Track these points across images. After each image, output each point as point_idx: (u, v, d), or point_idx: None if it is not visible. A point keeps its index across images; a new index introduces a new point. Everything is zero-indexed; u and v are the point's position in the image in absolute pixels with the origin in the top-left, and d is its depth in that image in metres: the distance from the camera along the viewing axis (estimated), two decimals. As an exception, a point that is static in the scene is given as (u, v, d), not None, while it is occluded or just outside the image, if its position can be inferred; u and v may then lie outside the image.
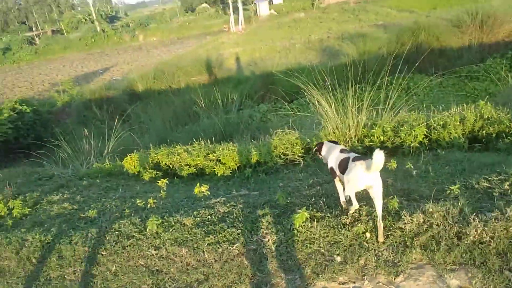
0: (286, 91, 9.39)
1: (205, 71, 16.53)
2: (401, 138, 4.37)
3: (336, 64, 12.22)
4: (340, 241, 2.64)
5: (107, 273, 2.86)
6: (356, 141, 4.66)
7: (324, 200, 3.18)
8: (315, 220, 2.89)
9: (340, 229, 2.73)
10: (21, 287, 2.47)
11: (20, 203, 3.92)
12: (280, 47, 24.63)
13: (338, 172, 2.87)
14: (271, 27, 36.20)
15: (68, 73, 31.04)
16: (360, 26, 26.52)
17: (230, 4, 42.56)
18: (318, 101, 5.25)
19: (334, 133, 4.79)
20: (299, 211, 2.89)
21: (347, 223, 2.78)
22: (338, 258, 2.52)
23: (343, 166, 2.80)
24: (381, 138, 4.48)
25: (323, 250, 2.61)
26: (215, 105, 9.22)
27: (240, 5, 41.85)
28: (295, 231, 2.83)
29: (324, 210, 3.02)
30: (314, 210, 3.03)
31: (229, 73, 16.66)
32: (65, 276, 2.90)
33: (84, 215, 3.71)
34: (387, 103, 5.03)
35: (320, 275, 2.41)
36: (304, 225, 2.85)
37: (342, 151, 3.00)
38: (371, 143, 4.48)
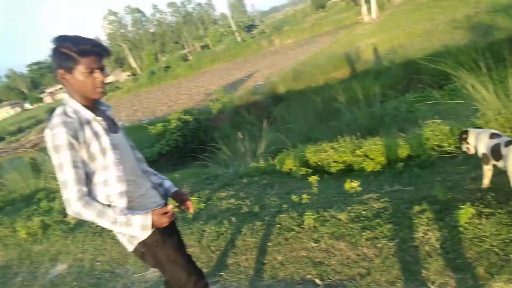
0: (432, 78, 8.71)
1: (342, 66, 16.36)
2: None
3: (490, 41, 10.80)
4: (516, 240, 2.41)
5: (274, 262, 3.15)
6: (526, 127, 4.10)
7: (492, 194, 2.92)
8: (484, 216, 2.69)
9: (515, 227, 2.49)
10: (205, 270, 2.90)
11: (196, 199, 4.59)
12: (420, 30, 22.68)
13: (492, 160, 2.71)
14: (407, 10, 33.64)
15: (218, 83, 34.13)
16: (516, -6, 22.72)
17: (362, -7, 41.02)
18: (472, 86, 4.78)
19: (496, 119, 4.29)
20: (463, 206, 2.72)
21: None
22: (516, 258, 2.31)
23: (496, 152, 2.60)
24: (558, 120, 3.86)
25: (496, 249, 2.41)
26: (356, 99, 9.08)
27: (371, -7, 39.96)
28: (461, 228, 2.68)
29: (494, 206, 2.78)
30: (481, 205, 2.81)
31: (368, 65, 16.14)
32: (239, 263, 3.30)
33: (248, 209, 4.14)
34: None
35: (496, 276, 2.24)
36: (470, 222, 2.68)
37: (492, 136, 2.75)
38: (545, 127, 3.90)
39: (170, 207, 1.92)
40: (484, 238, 2.53)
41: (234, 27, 67.64)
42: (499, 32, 11.55)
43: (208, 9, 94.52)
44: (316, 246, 3.13)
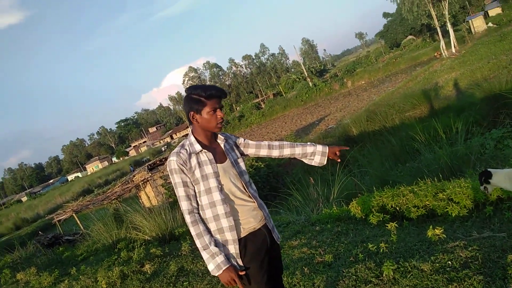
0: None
1: (420, 104, 15.68)
2: None
3: None
4: None
5: (350, 317, 2.97)
6: None
7: None
8: None
9: None
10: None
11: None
12: (506, 61, 21.17)
13: None
14: (491, 41, 31.76)
15: (289, 128, 34.64)
16: None
17: (438, 29, 39.77)
18: None
19: None
20: None
21: None
22: None
23: None
24: None
25: None
26: (437, 138, 8.55)
27: (449, 27, 38.58)
28: None
29: None
30: None
31: (448, 101, 15.29)
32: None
33: (321, 259, 3.99)
34: None
35: None
36: None
37: None
38: None
39: (240, 274, 2.20)
40: None
41: (306, 73, 68.90)
42: None
43: (281, 58, 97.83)
44: (396, 300, 2.90)
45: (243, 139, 2.54)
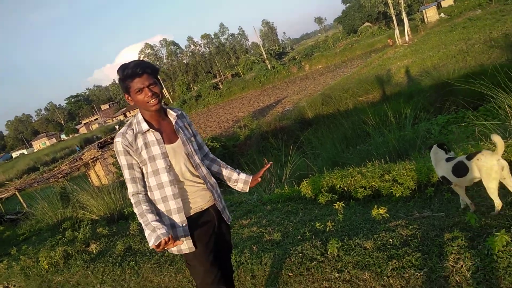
0: (467, 99, 8.39)
1: (373, 89, 16.14)
2: None
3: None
4: (555, 269, 2.18)
5: (294, 293, 3.02)
6: None
7: (529, 219, 2.70)
8: (520, 244, 2.47)
9: (555, 255, 2.26)
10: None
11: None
12: (455, 51, 22.21)
13: None
14: (442, 31, 33.10)
15: (247, 109, 34.59)
16: (557, 10, 21.91)
17: (394, 17, 40.89)
18: (509, 106, 4.55)
19: (535, 140, 4.03)
20: (497, 233, 2.51)
21: None
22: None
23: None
24: None
25: (533, 279, 2.20)
26: (387, 122, 8.85)
27: (404, 16, 39.76)
28: (494, 257, 2.46)
29: (531, 232, 2.55)
30: (517, 232, 2.59)
31: (399, 87, 15.86)
32: (258, 294, 3.19)
33: (270, 237, 4.03)
34: None
35: (532, 309, 2.04)
36: (505, 250, 2.46)
37: None
38: None
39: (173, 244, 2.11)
40: (520, 268, 2.31)
41: (265, 55, 68.74)
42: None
43: (241, 39, 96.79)
44: (339, 277, 2.97)
45: (194, 129, 2.48)
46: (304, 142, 10.34)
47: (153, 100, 2.14)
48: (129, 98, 2.17)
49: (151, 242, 2.09)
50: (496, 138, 2.80)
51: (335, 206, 4.12)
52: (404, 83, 16.87)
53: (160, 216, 2.17)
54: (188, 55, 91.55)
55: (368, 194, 4.54)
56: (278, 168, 7.02)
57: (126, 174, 2.15)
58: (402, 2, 38.92)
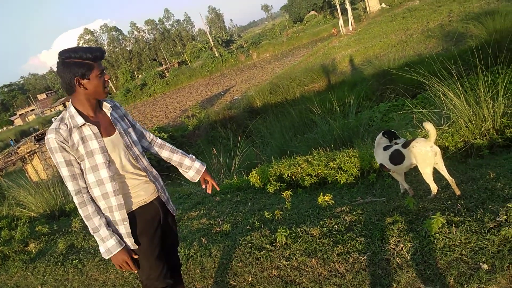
0: (406, 87, 8.82)
1: (318, 78, 16.50)
2: (551, 124, 3.75)
3: (462, 49, 11.06)
4: (485, 247, 2.36)
5: (244, 283, 3.03)
6: (494, 133, 4.14)
7: (462, 202, 2.89)
8: (453, 225, 2.64)
9: (484, 234, 2.45)
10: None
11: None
12: (395, 40, 23.22)
13: None
14: (383, 21, 34.40)
15: (195, 98, 34.05)
16: (487, 3, 23.54)
17: (338, 6, 41.87)
18: (443, 94, 4.81)
19: (467, 127, 4.32)
20: (434, 216, 2.67)
21: (492, 226, 2.48)
22: (485, 266, 2.25)
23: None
24: (526, 126, 3.90)
25: (466, 258, 2.36)
26: (332, 110, 9.11)
27: (348, 5, 40.87)
28: (431, 238, 2.62)
29: (463, 214, 2.74)
30: (451, 214, 2.77)
31: (343, 76, 16.34)
32: (208, 287, 3.16)
33: (219, 229, 4.01)
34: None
35: (465, 285, 2.19)
36: (441, 231, 2.63)
37: None
38: (514, 134, 3.92)
39: (133, 257, 2.13)
40: (454, 247, 2.47)
41: (212, 43, 67.85)
42: (471, 40, 11.84)
43: (187, 25, 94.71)
44: (288, 264, 3.03)
45: (131, 118, 2.36)
46: (253, 131, 10.39)
47: (109, 85, 2.12)
48: (83, 82, 1.99)
49: (101, 251, 2.07)
50: (428, 126, 2.95)
51: (283, 194, 4.17)
52: (348, 71, 17.41)
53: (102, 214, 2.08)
54: (132, 41, 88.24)
55: (314, 182, 4.65)
56: (227, 158, 7.00)
57: (65, 172, 2.00)
58: (346, -9, 39.94)
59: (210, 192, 2.61)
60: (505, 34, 10.05)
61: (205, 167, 2.57)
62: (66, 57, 1.98)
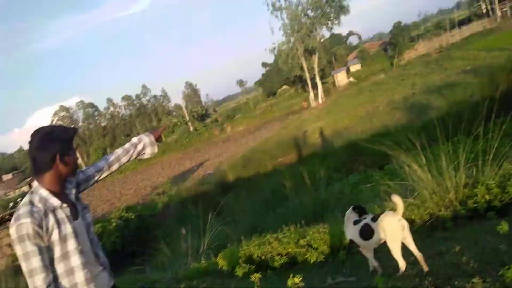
0: (374, 159, 9.03)
1: (290, 150, 16.80)
2: (509, 195, 3.83)
3: (425, 120, 11.62)
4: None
5: None
6: (458, 204, 4.18)
7: (430, 279, 2.80)
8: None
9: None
10: None
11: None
12: (363, 113, 24.31)
13: None
14: (351, 94, 36.30)
15: (167, 174, 33.72)
16: (447, 76, 25.34)
17: (309, 80, 44.09)
18: (408, 165, 4.91)
19: (431, 198, 4.36)
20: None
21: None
22: None
23: None
24: (487, 197, 3.98)
25: None
26: (303, 183, 9.14)
27: (318, 80, 43.16)
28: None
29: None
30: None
31: (314, 148, 16.74)
32: None
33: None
34: (487, 154, 4.51)
35: None
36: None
37: None
38: (475, 205, 3.99)
39: None
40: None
41: (187, 117, 69.07)
42: (433, 112, 12.50)
43: (164, 100, 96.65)
44: None
45: (81, 172, 2.22)
46: (224, 208, 10.22)
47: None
48: (65, 158, 1.95)
49: None
50: (396, 199, 2.95)
51: (252, 278, 3.97)
52: (319, 144, 17.87)
53: None
54: (107, 117, 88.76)
55: (285, 262, 4.49)
56: (197, 238, 6.75)
57: (36, 263, 1.75)
58: (316, 66, 42.49)
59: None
60: (465, 105, 10.68)
61: (152, 134, 2.51)
62: (46, 133, 1.94)
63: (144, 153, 2.47)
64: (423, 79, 27.98)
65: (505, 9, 49.98)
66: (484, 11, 53.86)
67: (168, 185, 18.04)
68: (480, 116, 4.85)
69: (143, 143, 2.44)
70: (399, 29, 50.89)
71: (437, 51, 44.57)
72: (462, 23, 55.59)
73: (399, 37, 49.33)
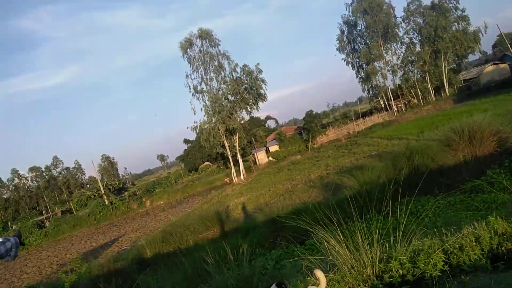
0: (294, 234, 9.23)
1: (213, 225, 16.47)
2: (420, 269, 4.12)
3: (339, 198, 12.32)
4: None
5: None
6: (375, 279, 4.38)
7: None
8: None
9: None
10: None
11: None
12: (282, 189, 25.17)
13: None
14: (271, 172, 37.59)
15: (76, 250, 30.85)
16: (356, 159, 27.63)
17: (230, 158, 45.12)
18: (326, 241, 5.10)
19: (350, 273, 4.53)
20: None
21: None
22: None
23: None
24: (400, 271, 4.23)
25: None
26: (226, 259, 8.91)
27: (239, 157, 44.44)
28: None
29: None
30: None
31: (237, 223, 16.62)
32: None
33: None
34: (398, 230, 4.88)
35: None
36: None
37: None
38: (391, 279, 4.20)
39: None
40: None
41: (102, 191, 65.27)
42: (346, 190, 13.31)
43: (77, 173, 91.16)
44: None
45: None
46: (141, 285, 9.46)
47: None
48: None
49: None
50: (318, 273, 3.05)
51: None
52: (241, 219, 17.84)
53: None
54: (11, 189, 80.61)
55: None
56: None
57: None
58: (237, 145, 43.85)
59: None
60: (373, 185, 11.61)
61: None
62: None
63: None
64: (335, 161, 30.18)
65: (400, 105, 58.68)
66: (383, 105, 61.66)
67: (78, 261, 16.36)
68: (388, 196, 5.28)
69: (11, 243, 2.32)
70: (311, 116, 55.77)
71: (346, 137, 49.14)
72: (365, 114, 62.83)
73: (311, 123, 53.88)
